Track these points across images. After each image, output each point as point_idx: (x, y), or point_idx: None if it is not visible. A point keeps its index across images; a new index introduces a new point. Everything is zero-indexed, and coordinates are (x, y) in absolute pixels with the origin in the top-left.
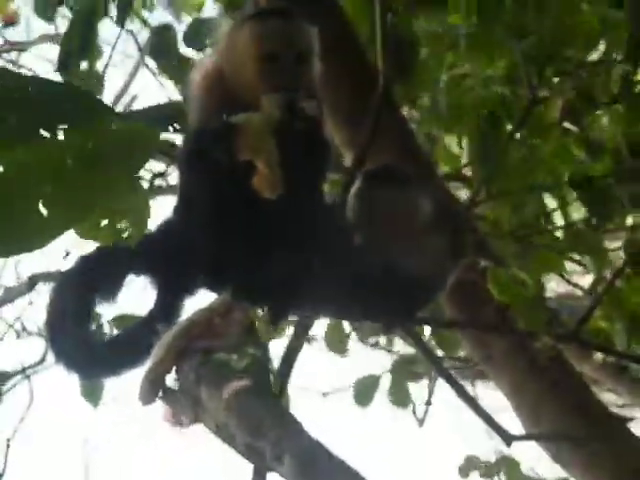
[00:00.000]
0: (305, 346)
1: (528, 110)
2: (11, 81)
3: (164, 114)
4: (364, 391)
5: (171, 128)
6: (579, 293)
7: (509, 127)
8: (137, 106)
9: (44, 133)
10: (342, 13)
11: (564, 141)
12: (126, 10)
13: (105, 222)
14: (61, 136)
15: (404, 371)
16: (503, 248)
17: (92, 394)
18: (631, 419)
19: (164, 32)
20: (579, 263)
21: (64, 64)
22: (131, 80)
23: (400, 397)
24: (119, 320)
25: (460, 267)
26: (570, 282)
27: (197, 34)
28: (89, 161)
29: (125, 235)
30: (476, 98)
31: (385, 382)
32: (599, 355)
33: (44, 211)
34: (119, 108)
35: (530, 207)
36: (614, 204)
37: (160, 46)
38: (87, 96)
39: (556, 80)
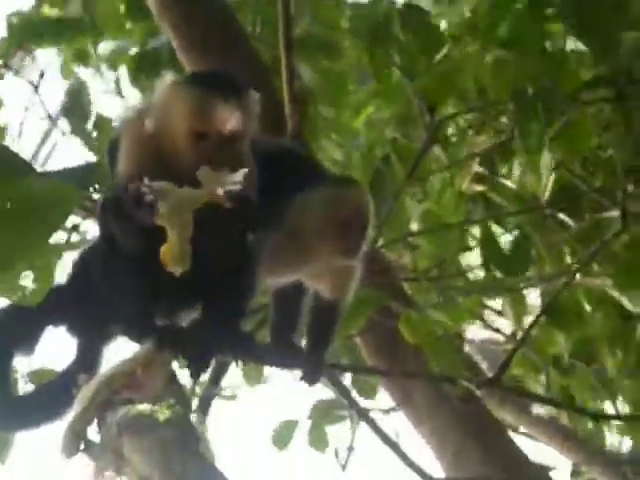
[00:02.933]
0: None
1: (423, 152)
2: None
3: (82, 175)
4: (283, 435)
5: (91, 189)
6: (500, 338)
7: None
8: (52, 165)
9: None
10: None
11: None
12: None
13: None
14: None
15: (323, 415)
16: (418, 291)
17: (1, 449)
18: (552, 468)
19: (78, 91)
20: (498, 312)
21: None
22: (46, 138)
23: (319, 441)
24: (35, 375)
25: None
26: (491, 327)
27: None
28: (8, 216)
29: (28, 292)
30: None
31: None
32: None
33: None
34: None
35: (442, 249)
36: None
37: (73, 106)
38: (6, 151)
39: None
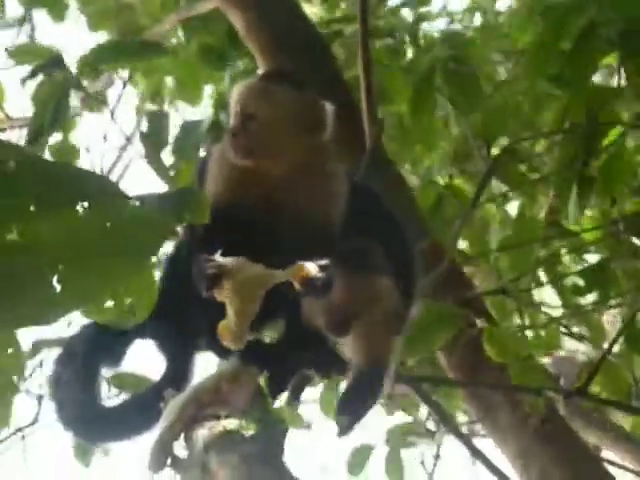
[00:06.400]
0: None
1: (482, 185)
2: (29, 162)
3: (175, 202)
4: (357, 461)
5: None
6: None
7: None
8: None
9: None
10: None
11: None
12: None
13: (110, 303)
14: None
15: (400, 441)
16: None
17: (84, 454)
18: None
19: (159, 119)
20: (576, 337)
21: (35, 136)
22: (121, 155)
23: (395, 468)
24: (118, 379)
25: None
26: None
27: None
28: (105, 242)
29: (129, 316)
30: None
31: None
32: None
33: (58, 287)
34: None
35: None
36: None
37: (152, 133)
38: (102, 180)
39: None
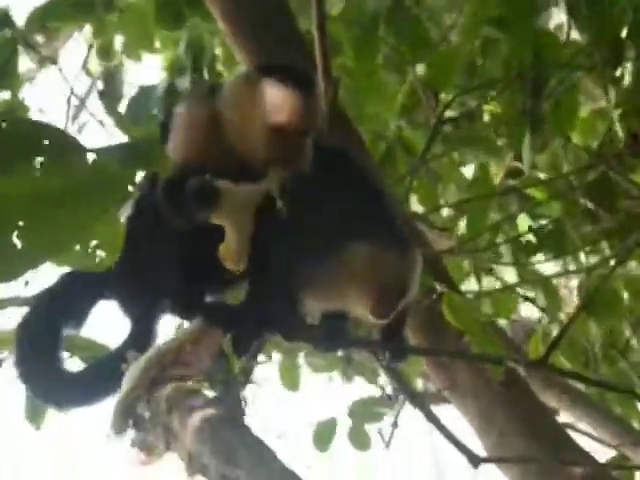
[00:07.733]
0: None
1: (433, 134)
2: None
3: (134, 153)
4: (323, 435)
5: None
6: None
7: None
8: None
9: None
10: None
11: None
12: None
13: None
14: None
15: (363, 413)
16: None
17: (35, 415)
18: None
19: (113, 75)
20: (532, 302)
21: None
22: (78, 113)
23: (360, 440)
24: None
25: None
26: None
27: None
28: (65, 196)
29: (97, 260)
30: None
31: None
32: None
33: (18, 243)
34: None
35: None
36: (567, 243)
37: (108, 87)
38: (60, 133)
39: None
